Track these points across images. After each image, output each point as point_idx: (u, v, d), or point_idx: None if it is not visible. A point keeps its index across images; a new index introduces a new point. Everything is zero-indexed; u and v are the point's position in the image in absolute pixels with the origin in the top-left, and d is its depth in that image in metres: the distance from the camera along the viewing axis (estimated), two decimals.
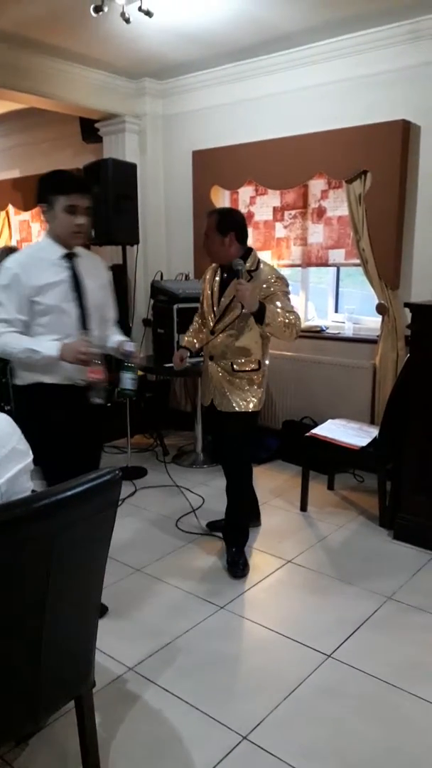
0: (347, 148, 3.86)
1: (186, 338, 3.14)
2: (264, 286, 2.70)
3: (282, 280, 2.78)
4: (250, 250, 2.82)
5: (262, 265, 2.79)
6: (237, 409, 2.87)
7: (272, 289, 2.70)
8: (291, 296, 2.81)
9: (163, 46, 3.99)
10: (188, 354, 3.06)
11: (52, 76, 4.29)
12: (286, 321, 2.63)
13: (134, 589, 2.78)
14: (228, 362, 2.86)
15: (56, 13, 3.51)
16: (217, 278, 2.90)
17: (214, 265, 2.95)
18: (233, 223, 2.77)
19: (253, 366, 2.87)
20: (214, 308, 2.88)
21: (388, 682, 2.17)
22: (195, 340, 3.09)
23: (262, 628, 2.50)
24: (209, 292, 2.91)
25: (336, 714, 2.03)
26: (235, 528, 3.04)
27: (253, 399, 2.89)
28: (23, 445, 1.55)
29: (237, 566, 2.93)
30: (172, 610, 2.62)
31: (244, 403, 2.87)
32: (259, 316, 2.59)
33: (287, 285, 2.80)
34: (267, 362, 2.96)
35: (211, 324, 2.89)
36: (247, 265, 2.73)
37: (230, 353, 2.85)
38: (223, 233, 2.75)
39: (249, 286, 2.57)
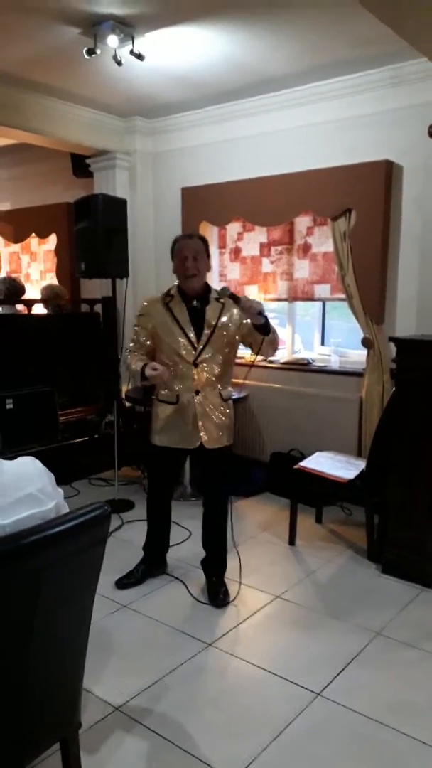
0: (332, 187, 3.96)
1: (140, 360, 2.82)
2: (236, 311, 2.83)
3: None
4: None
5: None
6: (227, 442, 2.90)
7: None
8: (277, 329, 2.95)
9: (153, 87, 4.11)
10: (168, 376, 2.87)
11: (44, 114, 4.38)
12: (276, 335, 2.82)
13: (121, 625, 2.74)
14: (217, 392, 2.85)
15: (49, 54, 3.60)
16: (183, 309, 2.82)
17: (154, 299, 2.90)
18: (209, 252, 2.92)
19: (231, 392, 2.95)
20: (191, 338, 2.79)
21: (378, 721, 2.14)
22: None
23: (250, 666, 2.46)
24: (176, 324, 2.79)
25: (325, 754, 1.99)
26: (218, 557, 3.05)
27: (232, 430, 2.94)
28: (44, 494, 1.52)
29: (218, 595, 2.93)
30: (159, 647, 2.58)
31: (228, 435, 2.91)
32: (267, 325, 2.71)
33: None
34: None
35: (192, 357, 2.79)
36: (213, 294, 2.85)
37: (218, 382, 2.84)
38: (207, 257, 2.87)
39: (247, 298, 2.72)
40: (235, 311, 2.82)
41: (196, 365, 2.81)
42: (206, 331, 2.80)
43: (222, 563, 3.05)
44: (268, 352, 2.87)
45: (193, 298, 2.84)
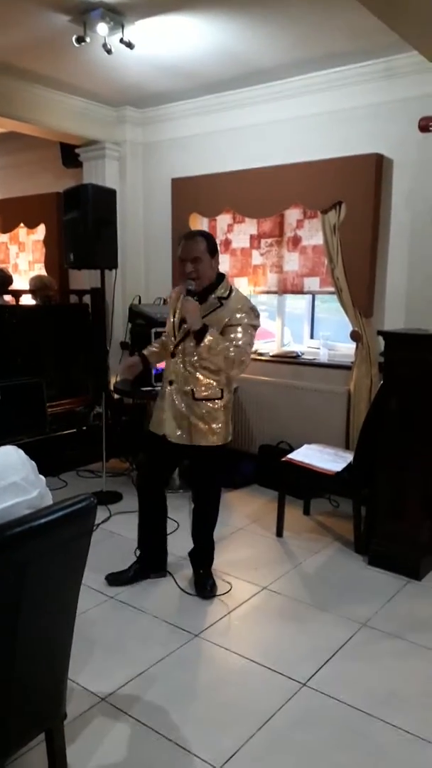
0: (323, 180, 3.95)
1: (146, 350, 3.07)
2: (236, 314, 2.72)
3: (253, 312, 2.77)
4: (222, 275, 2.85)
5: (234, 293, 2.81)
6: (203, 443, 2.78)
7: (238, 319, 2.71)
8: (260, 329, 2.84)
9: (144, 76, 4.07)
10: (141, 366, 2.97)
11: (33, 102, 4.34)
12: (230, 352, 2.66)
13: (107, 616, 2.74)
14: (189, 387, 2.77)
15: (39, 42, 3.56)
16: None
17: (178, 288, 2.89)
18: (216, 246, 2.82)
19: (219, 395, 2.80)
20: (176, 329, 2.80)
21: (363, 711, 2.16)
22: (152, 356, 3.05)
23: (236, 656, 2.47)
24: (172, 313, 2.85)
25: (311, 744, 2.01)
26: (205, 550, 3.04)
27: (217, 432, 2.80)
28: (28, 483, 1.53)
29: (205, 587, 2.93)
30: (146, 638, 2.59)
31: (210, 436, 2.79)
32: (199, 336, 2.63)
33: (257, 317, 2.79)
34: (230, 392, 2.89)
35: (172, 345, 2.81)
36: (220, 291, 2.77)
37: (193, 378, 2.77)
38: (212, 256, 2.76)
39: (195, 303, 2.66)
40: (233, 310, 2.72)
41: (173, 355, 2.81)
42: (185, 326, 2.73)
43: (208, 556, 3.05)
44: (218, 365, 2.70)
45: (195, 293, 2.75)
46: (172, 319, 2.85)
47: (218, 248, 2.84)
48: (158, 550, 3.09)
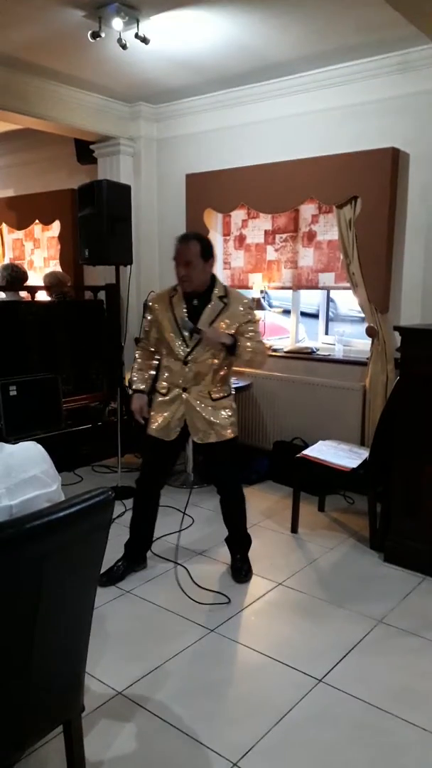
0: (338, 174, 3.93)
1: (137, 381, 3.03)
2: (241, 310, 2.83)
3: (252, 306, 2.93)
4: (214, 275, 2.87)
5: (230, 291, 2.89)
6: (228, 436, 2.90)
7: (250, 317, 2.86)
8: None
9: (158, 71, 4.07)
10: (147, 399, 3.01)
11: (48, 99, 4.35)
12: (258, 349, 2.83)
13: (123, 611, 2.75)
14: (206, 390, 2.84)
15: (54, 38, 3.57)
16: (183, 306, 2.81)
17: (162, 293, 2.94)
18: (212, 249, 2.81)
19: (229, 392, 2.95)
20: (185, 335, 2.80)
21: (379, 708, 2.15)
22: (146, 379, 3.04)
23: (252, 652, 2.48)
24: (173, 321, 2.82)
25: (326, 740, 2.01)
26: (240, 536, 3.12)
27: (233, 423, 2.93)
28: (48, 477, 1.55)
29: (240, 572, 3.01)
30: (162, 632, 2.59)
31: (230, 429, 2.91)
32: (232, 348, 2.75)
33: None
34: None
35: (183, 353, 2.81)
36: (219, 291, 2.83)
37: (207, 381, 2.84)
38: (206, 260, 2.76)
39: (214, 329, 2.75)
40: (239, 311, 2.82)
41: (186, 363, 2.82)
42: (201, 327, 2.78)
43: (244, 541, 3.12)
44: (250, 365, 2.91)
45: (193, 296, 2.81)
46: (176, 326, 2.82)
47: (214, 253, 2.82)
48: (145, 546, 3.14)
